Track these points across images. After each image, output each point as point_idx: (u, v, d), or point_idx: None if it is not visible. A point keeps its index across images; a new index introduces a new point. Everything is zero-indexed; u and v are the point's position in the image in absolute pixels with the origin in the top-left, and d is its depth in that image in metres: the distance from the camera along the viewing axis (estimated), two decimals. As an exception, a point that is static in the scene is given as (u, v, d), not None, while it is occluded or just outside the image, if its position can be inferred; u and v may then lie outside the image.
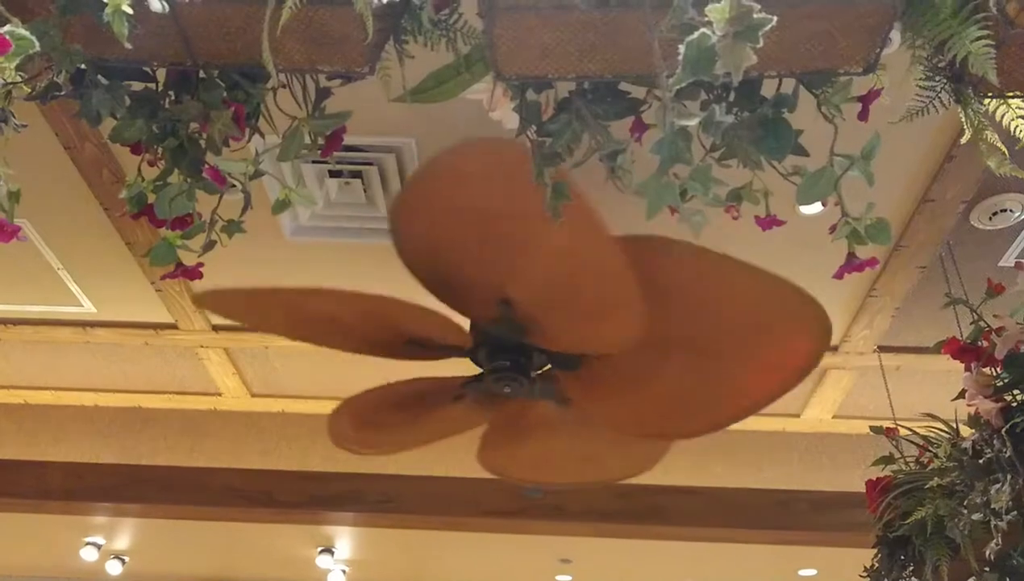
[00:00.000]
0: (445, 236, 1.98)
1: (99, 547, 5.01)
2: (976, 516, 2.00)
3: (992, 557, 1.98)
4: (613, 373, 2.34)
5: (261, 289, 2.17)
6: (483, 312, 2.16)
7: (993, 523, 1.93)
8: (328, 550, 4.94)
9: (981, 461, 2.03)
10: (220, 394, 4.01)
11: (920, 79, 1.18)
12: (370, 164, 2.61)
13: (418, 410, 2.60)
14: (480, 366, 2.44)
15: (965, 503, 2.04)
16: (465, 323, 2.30)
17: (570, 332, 2.20)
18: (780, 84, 1.14)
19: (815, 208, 2.50)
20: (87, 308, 3.37)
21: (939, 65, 1.18)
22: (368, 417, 2.74)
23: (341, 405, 2.69)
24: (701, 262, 2.00)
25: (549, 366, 2.46)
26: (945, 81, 1.18)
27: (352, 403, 2.66)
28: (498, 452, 2.81)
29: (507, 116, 1.28)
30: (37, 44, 0.84)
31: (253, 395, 4.04)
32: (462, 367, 2.43)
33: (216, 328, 3.47)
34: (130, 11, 0.89)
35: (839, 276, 1.13)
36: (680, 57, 0.85)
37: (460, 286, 2.08)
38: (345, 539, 4.91)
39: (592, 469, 2.95)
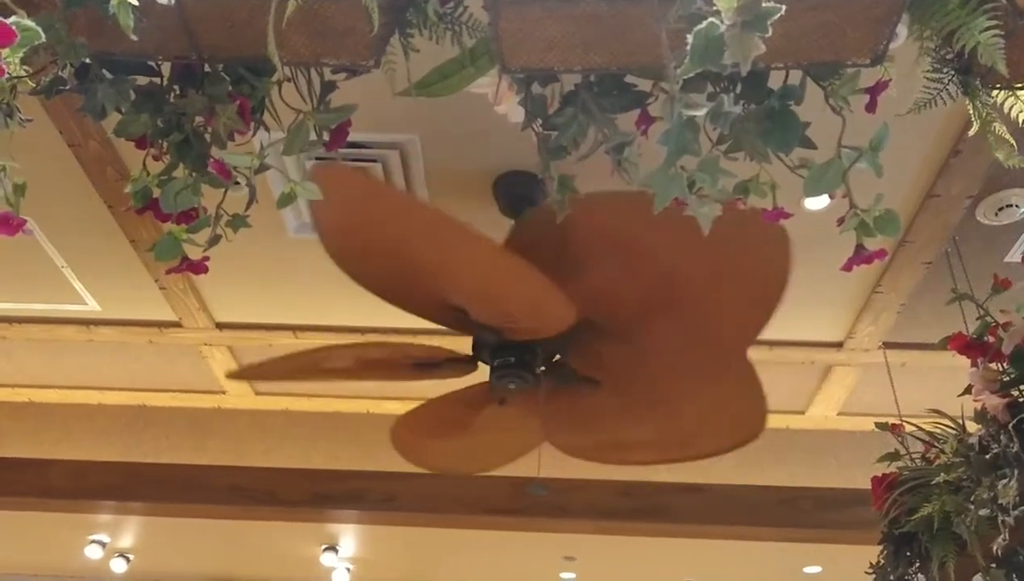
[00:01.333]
0: (376, 267, 2.02)
1: (104, 545, 5.01)
2: (983, 512, 1.99)
3: (999, 553, 1.97)
4: (607, 342, 2.33)
5: (282, 358, 2.35)
6: (450, 319, 2.18)
7: (1000, 519, 1.92)
8: (332, 548, 4.94)
9: (988, 457, 2.02)
10: (224, 392, 4.02)
11: (927, 71, 1.17)
12: (374, 161, 2.61)
13: (473, 421, 2.61)
14: (478, 354, 2.44)
15: (972, 499, 2.03)
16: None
17: (519, 324, 2.20)
18: (787, 76, 1.13)
19: (820, 202, 2.50)
20: (91, 306, 3.37)
21: (947, 57, 1.17)
22: (432, 428, 2.75)
23: (402, 419, 2.71)
24: (640, 207, 1.96)
25: (558, 356, 2.45)
26: (953, 73, 1.18)
27: (414, 415, 2.68)
28: (567, 439, 2.78)
29: (512, 110, 1.28)
30: (43, 35, 0.84)
31: (257, 394, 4.04)
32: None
33: (220, 326, 3.47)
34: (135, 2, 0.88)
35: (848, 268, 1.13)
36: (688, 47, 0.84)
37: (414, 301, 2.11)
38: (349, 537, 4.92)
39: (675, 446, 2.88)
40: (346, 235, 1.98)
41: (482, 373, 2.42)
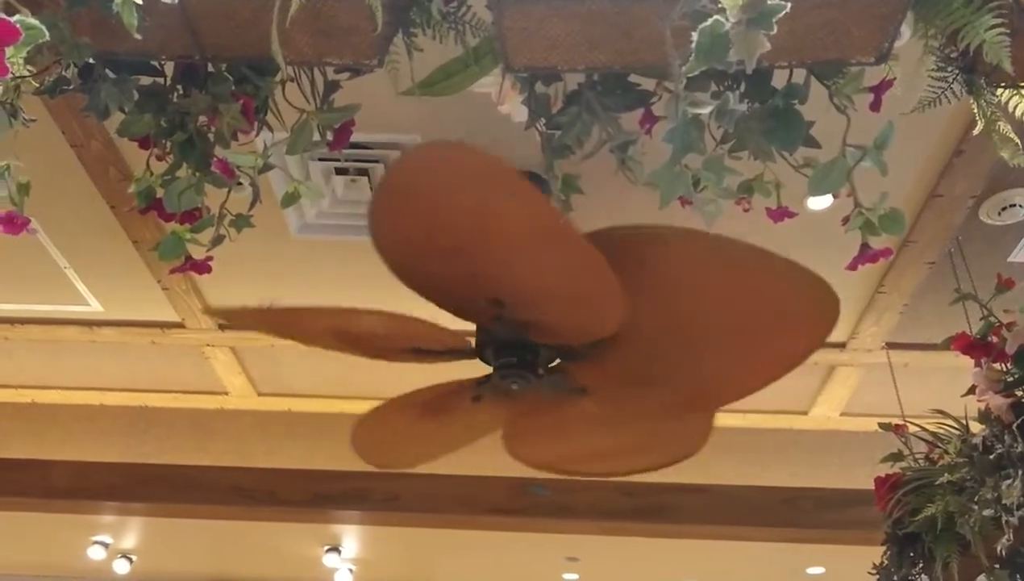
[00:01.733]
0: (425, 244, 1.99)
1: (107, 546, 5.01)
2: (987, 512, 1.98)
3: (1003, 553, 1.97)
4: (623, 363, 2.33)
5: (274, 309, 2.22)
6: (481, 314, 2.16)
7: (1004, 519, 1.92)
8: (335, 549, 4.94)
9: (992, 457, 2.02)
10: (226, 393, 4.01)
11: (932, 70, 1.17)
12: (376, 161, 2.61)
13: (439, 416, 2.59)
14: (481, 350, 2.43)
15: (976, 499, 2.03)
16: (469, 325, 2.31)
17: (563, 325, 2.20)
18: (791, 75, 1.13)
19: (823, 202, 2.49)
20: (93, 307, 3.36)
21: (951, 55, 1.17)
22: (390, 428, 2.74)
23: (362, 419, 2.69)
24: (700, 247, 1.98)
25: (559, 360, 2.45)
26: (957, 71, 1.18)
27: (372, 416, 2.66)
28: (533, 447, 2.79)
29: (515, 109, 1.28)
30: (47, 34, 0.84)
31: (259, 394, 4.04)
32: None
33: (223, 327, 3.46)
34: (139, 1, 0.88)
35: (853, 267, 1.12)
36: (692, 45, 0.84)
37: (452, 292, 2.09)
38: (351, 538, 4.91)
39: (638, 457, 2.90)
40: (405, 212, 1.95)
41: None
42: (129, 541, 5.09)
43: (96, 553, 5.01)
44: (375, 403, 3.14)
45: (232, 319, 2.58)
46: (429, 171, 1.81)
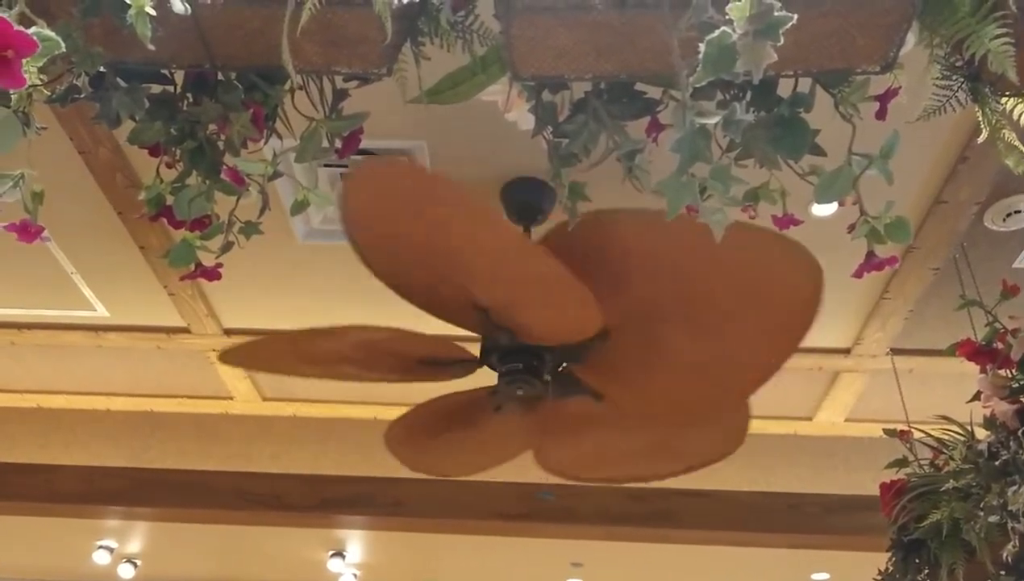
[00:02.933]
0: (400, 256, 2.00)
1: (111, 550, 5.02)
2: (992, 518, 1.99)
3: (1009, 560, 1.97)
4: (624, 357, 2.32)
5: (271, 337, 2.25)
6: (471, 320, 2.17)
7: (1010, 525, 1.92)
8: (339, 554, 4.94)
9: (997, 463, 2.02)
10: (231, 398, 4.02)
11: (937, 78, 1.18)
12: (382, 167, 2.62)
13: (466, 425, 2.60)
14: (486, 358, 2.44)
15: (981, 505, 2.03)
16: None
17: (543, 328, 2.20)
18: (796, 83, 1.13)
19: (827, 209, 2.50)
20: (100, 312, 3.38)
21: (956, 64, 1.18)
22: (423, 431, 2.74)
23: (395, 422, 2.69)
24: (674, 228, 1.96)
25: (564, 364, 2.45)
26: (962, 80, 1.18)
27: (405, 421, 2.67)
28: (556, 453, 2.79)
29: (522, 117, 1.28)
30: (63, 45, 0.85)
31: (264, 399, 4.05)
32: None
33: (228, 332, 3.48)
34: (153, 12, 0.89)
35: (859, 275, 1.13)
36: (700, 55, 0.85)
37: (438, 300, 2.10)
38: (355, 543, 4.91)
39: (666, 459, 2.88)
40: (375, 227, 1.97)
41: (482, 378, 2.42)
42: (134, 545, 5.09)
43: (101, 557, 5.01)
44: (382, 407, 3.14)
45: (239, 359, 2.62)
46: (381, 191, 1.82)
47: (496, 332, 2.20)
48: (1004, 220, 2.68)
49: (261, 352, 2.48)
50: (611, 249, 1.97)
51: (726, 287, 2.10)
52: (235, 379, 3.85)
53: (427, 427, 2.66)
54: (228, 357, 2.64)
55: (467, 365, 2.36)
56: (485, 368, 2.37)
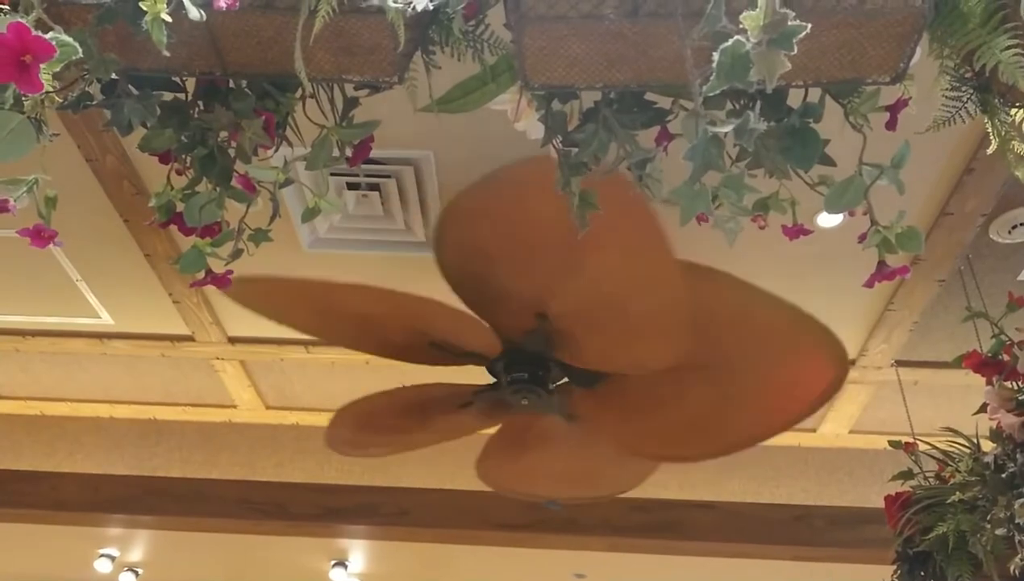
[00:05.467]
0: (494, 246, 2.00)
1: (113, 559, 5.00)
2: (999, 531, 1.98)
3: (1016, 573, 1.96)
4: (631, 394, 2.36)
5: (290, 279, 2.17)
6: (516, 323, 2.17)
7: (1017, 538, 1.92)
8: (342, 563, 4.92)
9: (1004, 475, 2.01)
10: (235, 406, 4.02)
11: (946, 89, 1.18)
12: (388, 177, 2.62)
13: (423, 416, 2.61)
14: (496, 376, 2.44)
15: (988, 518, 2.03)
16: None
17: (605, 352, 2.21)
18: (806, 94, 1.14)
19: (833, 220, 2.50)
20: (104, 319, 3.38)
21: (965, 75, 1.18)
22: (371, 421, 2.75)
23: (343, 410, 2.70)
24: (727, 290, 2.03)
25: (566, 380, 2.46)
26: (972, 91, 1.18)
27: (354, 408, 2.67)
28: (496, 464, 2.82)
29: (532, 127, 1.29)
30: (80, 50, 0.85)
31: (268, 407, 4.04)
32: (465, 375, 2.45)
33: (232, 340, 3.48)
34: (169, 19, 0.90)
35: (870, 284, 1.13)
36: (714, 65, 0.85)
37: (497, 296, 2.10)
38: (359, 552, 4.90)
39: (586, 484, 2.97)
40: (488, 216, 1.99)
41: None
42: (136, 554, 5.08)
43: (103, 566, 5.00)
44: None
45: (242, 292, 2.49)
46: (529, 177, 1.81)
47: (538, 340, 2.20)
48: (1010, 232, 2.68)
49: (273, 291, 2.33)
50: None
51: (753, 352, 2.15)
52: (239, 388, 3.85)
53: (379, 416, 2.66)
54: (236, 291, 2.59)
55: (475, 360, 2.36)
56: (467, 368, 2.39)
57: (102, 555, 4.96)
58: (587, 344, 2.19)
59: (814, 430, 3.89)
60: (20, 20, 0.83)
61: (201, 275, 1.21)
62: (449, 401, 2.51)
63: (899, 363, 3.31)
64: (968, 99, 1.19)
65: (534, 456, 2.80)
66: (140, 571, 5.22)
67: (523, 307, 2.11)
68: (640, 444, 2.64)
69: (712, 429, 2.52)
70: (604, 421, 2.55)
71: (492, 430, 2.77)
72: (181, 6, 0.92)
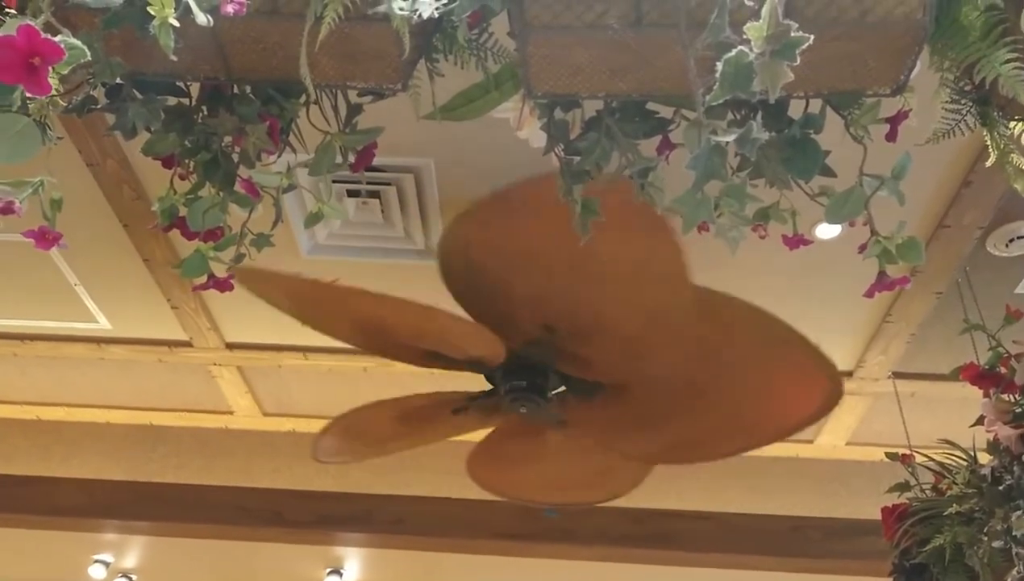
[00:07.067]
0: (505, 258, 2.01)
1: (107, 565, 4.98)
2: (996, 544, 1.98)
3: (1012, 585, 1.96)
4: (627, 405, 2.38)
5: (305, 280, 2.17)
6: (520, 333, 2.18)
7: (1014, 551, 1.92)
8: (337, 571, 4.90)
9: (1001, 488, 2.01)
10: (232, 412, 4.01)
11: (946, 102, 1.19)
12: (388, 184, 2.63)
13: (415, 423, 2.62)
14: (494, 383, 2.45)
15: (985, 530, 2.03)
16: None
17: (610, 365, 2.23)
18: (807, 105, 1.15)
19: (831, 231, 2.51)
20: (102, 324, 3.38)
21: (965, 88, 1.19)
22: (362, 432, 2.76)
23: (334, 422, 2.71)
24: (741, 318, 2.06)
25: (563, 389, 2.47)
26: (971, 104, 1.19)
27: (345, 420, 2.68)
28: (487, 465, 2.83)
29: (534, 135, 1.29)
30: (88, 53, 0.86)
31: (265, 414, 4.04)
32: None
33: (230, 346, 3.48)
34: (176, 24, 0.90)
35: (870, 295, 1.13)
36: (717, 75, 0.86)
37: (503, 306, 2.10)
38: (354, 560, 4.88)
39: (575, 490, 2.97)
40: (505, 228, 2.00)
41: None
42: (130, 560, 5.05)
43: (97, 572, 4.97)
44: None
45: (251, 280, 2.48)
46: (544, 193, 1.82)
47: (541, 351, 2.21)
48: (1007, 245, 2.69)
49: (284, 287, 2.35)
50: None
51: (746, 367, 2.17)
52: (236, 394, 3.84)
53: (372, 424, 2.67)
54: (243, 275, 2.59)
55: (477, 368, 2.37)
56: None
57: (96, 561, 4.94)
58: (592, 357, 2.21)
59: (811, 441, 3.89)
60: (29, 23, 0.84)
61: (203, 279, 1.21)
62: (443, 407, 2.52)
63: (896, 375, 3.31)
64: (967, 112, 1.20)
65: (524, 460, 2.80)
66: (134, 577, 5.19)
67: (529, 318, 2.12)
68: (633, 450, 2.65)
69: (706, 442, 2.54)
70: (598, 430, 2.56)
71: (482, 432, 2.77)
72: (189, 11, 0.92)
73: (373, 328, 2.27)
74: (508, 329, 2.18)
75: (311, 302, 2.29)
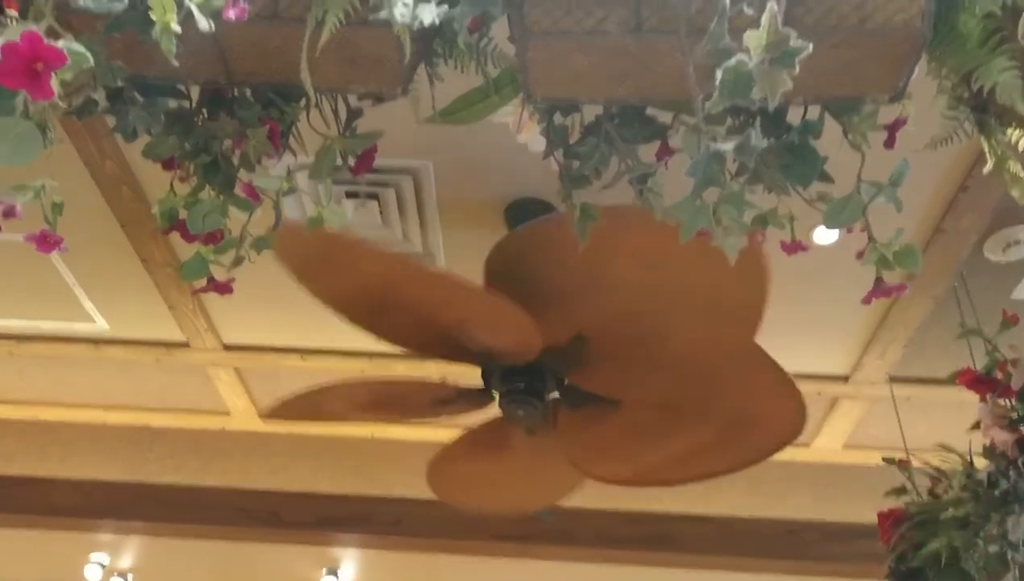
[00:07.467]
0: (571, 262, 2.00)
1: (103, 566, 4.97)
2: (992, 548, 1.99)
3: (1008, 589, 1.97)
4: (614, 420, 2.39)
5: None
6: (545, 335, 2.18)
7: (1010, 555, 1.93)
8: (334, 572, 4.90)
9: (997, 492, 2.02)
10: (229, 414, 4.01)
11: (944, 109, 1.19)
12: (386, 186, 2.63)
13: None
14: (488, 383, 2.45)
15: (981, 535, 2.03)
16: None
17: (624, 381, 2.24)
18: (806, 111, 1.15)
19: (828, 236, 2.52)
20: (100, 325, 3.38)
21: (963, 96, 1.19)
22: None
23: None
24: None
25: (556, 396, 2.47)
26: (969, 111, 1.20)
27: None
28: (450, 471, 2.83)
29: (533, 139, 1.30)
30: (91, 59, 0.86)
31: (262, 416, 4.03)
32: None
33: (227, 348, 3.48)
34: (179, 29, 0.91)
35: (867, 301, 1.14)
36: (717, 82, 0.86)
37: (538, 304, 2.09)
38: (351, 561, 4.88)
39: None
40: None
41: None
42: (126, 561, 5.05)
43: (93, 573, 4.97)
44: (380, 426, 3.14)
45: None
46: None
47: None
48: (1004, 251, 2.70)
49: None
50: (552, 262, 2.03)
51: (729, 391, 2.21)
52: (234, 395, 3.84)
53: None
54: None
55: (477, 395, 2.38)
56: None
57: (93, 561, 4.93)
58: (609, 373, 2.22)
59: (808, 445, 3.90)
60: (32, 28, 0.84)
61: (203, 282, 1.22)
62: (427, 395, 2.51)
63: (893, 379, 3.32)
64: (965, 119, 1.20)
65: (488, 465, 2.80)
66: (131, 578, 5.19)
67: (564, 323, 2.12)
68: (604, 470, 2.68)
69: (674, 461, 2.57)
70: (578, 441, 2.58)
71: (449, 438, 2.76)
72: (191, 16, 0.93)
73: (386, 295, 2.20)
74: (435, 351, 2.21)
75: (317, 259, 2.24)
